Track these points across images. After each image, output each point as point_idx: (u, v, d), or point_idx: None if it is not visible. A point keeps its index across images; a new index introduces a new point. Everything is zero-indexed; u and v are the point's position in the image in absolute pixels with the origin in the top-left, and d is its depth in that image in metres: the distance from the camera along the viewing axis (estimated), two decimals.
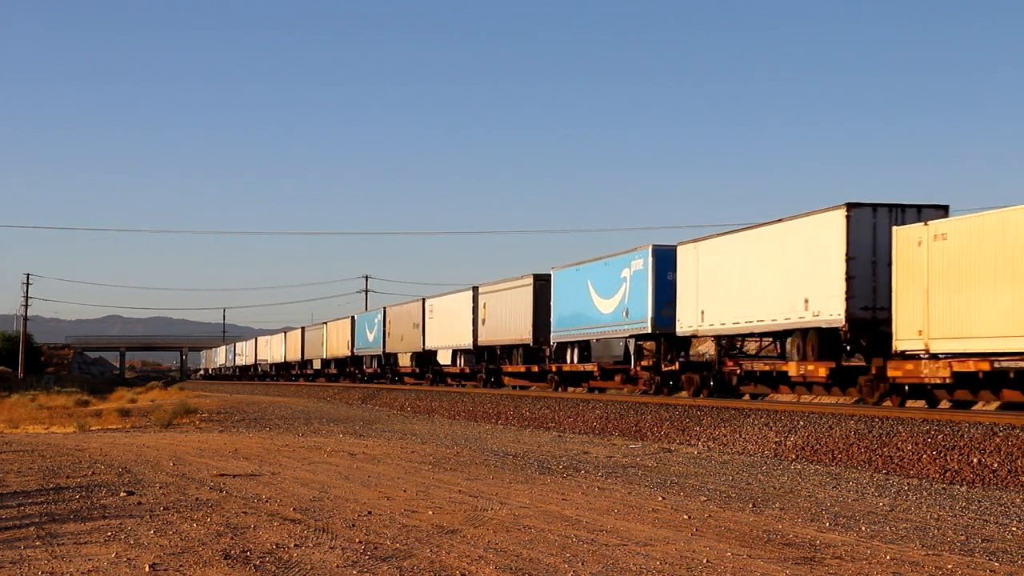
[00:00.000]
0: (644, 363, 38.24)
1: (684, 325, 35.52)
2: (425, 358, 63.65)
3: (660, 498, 15.43)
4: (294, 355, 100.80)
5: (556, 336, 45.09)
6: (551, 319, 45.46)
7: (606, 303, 40.30)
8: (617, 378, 41.16)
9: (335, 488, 16.43)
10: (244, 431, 32.31)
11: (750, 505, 14.76)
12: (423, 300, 62.54)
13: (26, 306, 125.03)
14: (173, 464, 20.38)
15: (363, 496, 15.46)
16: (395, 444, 25.81)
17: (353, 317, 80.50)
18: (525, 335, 48.05)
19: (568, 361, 44.63)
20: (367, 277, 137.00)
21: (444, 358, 59.96)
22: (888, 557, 10.90)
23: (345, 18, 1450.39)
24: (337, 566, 10.40)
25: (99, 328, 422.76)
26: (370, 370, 75.83)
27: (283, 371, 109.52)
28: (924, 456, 19.25)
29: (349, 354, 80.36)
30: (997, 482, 17.32)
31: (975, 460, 18.25)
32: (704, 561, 10.60)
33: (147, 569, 10.30)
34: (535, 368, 48.12)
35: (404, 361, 68.06)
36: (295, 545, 11.45)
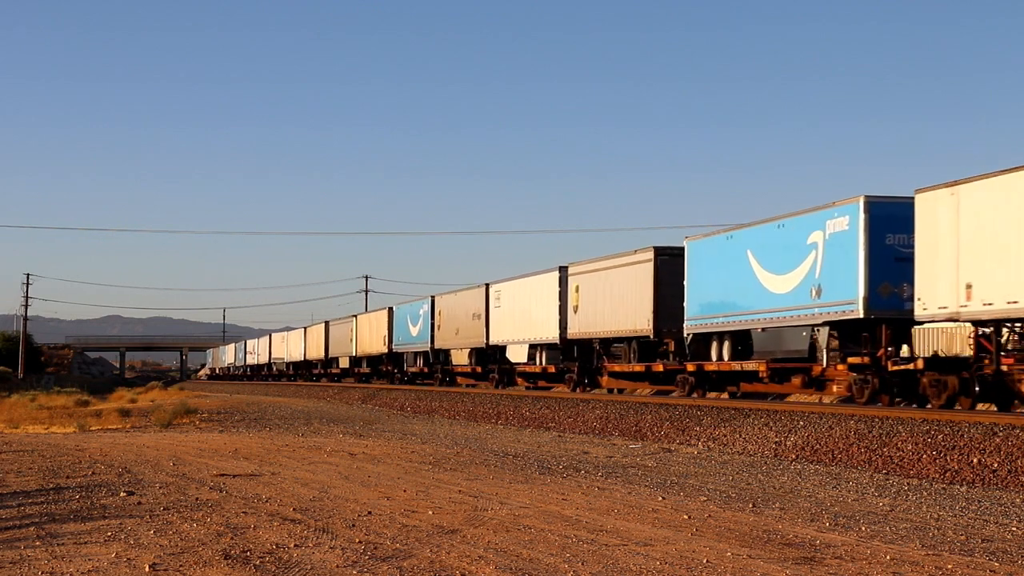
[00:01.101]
0: (855, 360, 27.70)
1: (931, 306, 25.10)
2: (489, 355, 53.64)
3: (660, 498, 15.43)
4: (316, 353, 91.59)
5: (693, 326, 35.10)
6: (684, 303, 35.44)
7: (779, 280, 30.68)
8: (795, 380, 31.06)
9: (335, 488, 16.44)
10: (244, 431, 32.31)
11: (750, 505, 14.76)
12: (486, 286, 52.71)
13: (26, 306, 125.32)
14: (173, 464, 20.38)
15: (363, 496, 15.46)
16: (395, 444, 25.82)
17: (391, 308, 70.58)
18: (642, 325, 37.68)
19: (713, 358, 34.53)
20: (367, 277, 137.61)
21: (517, 355, 50.62)
22: (888, 557, 10.90)
23: (345, 18, 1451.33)
24: (337, 566, 10.40)
25: (99, 328, 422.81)
26: (413, 369, 65.50)
27: (302, 370, 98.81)
28: (924, 456, 19.25)
29: (386, 351, 70.49)
30: (997, 482, 17.32)
31: (975, 460, 18.25)
32: (704, 561, 10.60)
33: (147, 569, 10.30)
34: (658, 367, 37.54)
35: (459, 358, 58.22)
36: (295, 545, 11.45)
